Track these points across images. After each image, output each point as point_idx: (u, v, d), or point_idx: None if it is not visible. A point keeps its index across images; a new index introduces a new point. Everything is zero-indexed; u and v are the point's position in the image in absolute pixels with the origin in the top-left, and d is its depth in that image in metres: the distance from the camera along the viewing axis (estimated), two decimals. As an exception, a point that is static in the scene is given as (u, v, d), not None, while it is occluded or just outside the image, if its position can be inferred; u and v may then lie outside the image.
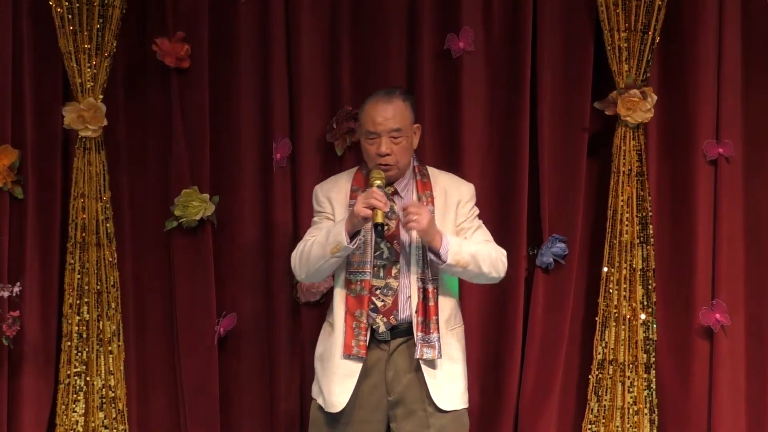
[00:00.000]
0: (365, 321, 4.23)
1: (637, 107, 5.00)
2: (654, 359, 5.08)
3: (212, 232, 5.13)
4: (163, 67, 5.10)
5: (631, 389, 5.06)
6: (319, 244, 4.20)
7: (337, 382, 4.24)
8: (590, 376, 5.10)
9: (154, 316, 5.20)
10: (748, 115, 5.15)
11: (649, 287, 5.08)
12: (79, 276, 5.06)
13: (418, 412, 4.27)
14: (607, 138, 5.12)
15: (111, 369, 5.09)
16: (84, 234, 5.06)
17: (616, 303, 5.07)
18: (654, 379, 5.08)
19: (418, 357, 4.21)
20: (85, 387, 5.07)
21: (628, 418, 5.06)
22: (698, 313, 5.11)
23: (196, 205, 5.08)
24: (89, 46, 5.01)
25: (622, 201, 5.07)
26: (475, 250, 4.25)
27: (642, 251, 5.08)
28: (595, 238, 5.18)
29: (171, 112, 5.11)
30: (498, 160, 5.16)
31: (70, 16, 4.99)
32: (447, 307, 4.32)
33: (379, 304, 4.25)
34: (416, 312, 4.24)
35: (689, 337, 5.14)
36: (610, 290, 5.08)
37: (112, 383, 5.09)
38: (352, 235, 4.16)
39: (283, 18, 5.11)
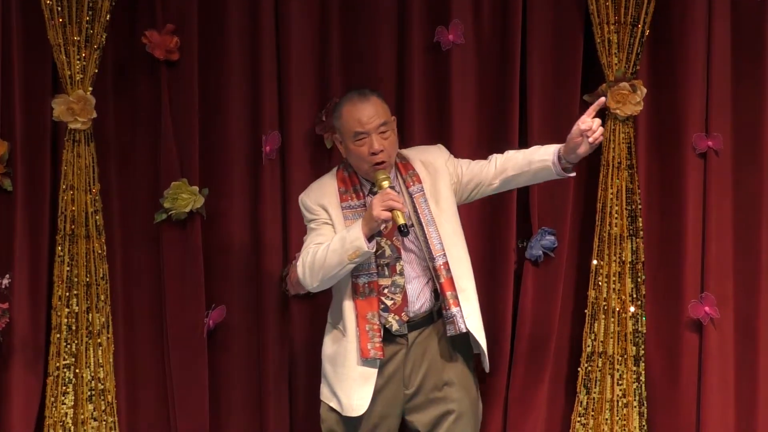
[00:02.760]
0: (378, 322, 4.24)
1: (627, 100, 5.01)
2: (643, 352, 5.09)
3: (201, 224, 5.13)
4: (153, 60, 5.09)
5: (620, 382, 5.07)
6: (335, 252, 4.18)
7: (356, 386, 4.26)
8: (579, 369, 5.11)
9: (143, 308, 5.20)
10: (737, 108, 5.15)
11: (639, 280, 5.08)
12: (68, 268, 5.06)
13: (437, 400, 4.31)
14: (597, 131, 5.12)
15: (100, 361, 5.08)
16: (73, 226, 5.06)
17: (605, 296, 5.08)
18: (643, 372, 5.09)
19: (447, 335, 4.27)
20: (74, 379, 5.06)
21: (617, 410, 5.07)
22: (687, 305, 5.12)
23: (185, 198, 5.08)
24: (78, 38, 5.00)
25: (612, 194, 5.07)
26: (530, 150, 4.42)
27: (631, 244, 5.08)
28: (585, 231, 5.19)
29: (160, 105, 5.10)
30: (487, 153, 5.13)
31: (59, 8, 4.98)
32: (464, 273, 4.34)
33: (388, 303, 4.27)
34: (441, 292, 4.27)
35: (678, 329, 5.14)
36: (600, 283, 5.08)
37: (101, 375, 5.08)
38: (368, 239, 4.15)
39: (272, 10, 5.11)
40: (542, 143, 5.10)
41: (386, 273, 4.28)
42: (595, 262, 5.10)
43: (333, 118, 4.38)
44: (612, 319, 5.07)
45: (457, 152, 5.09)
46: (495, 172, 4.39)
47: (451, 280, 4.27)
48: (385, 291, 4.27)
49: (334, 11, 5.13)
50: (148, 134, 5.17)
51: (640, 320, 5.08)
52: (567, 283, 5.19)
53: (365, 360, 4.24)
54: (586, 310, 5.10)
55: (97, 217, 5.09)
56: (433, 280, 4.30)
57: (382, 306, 4.26)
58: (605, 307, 5.08)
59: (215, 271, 5.15)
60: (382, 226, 4.19)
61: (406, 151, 4.45)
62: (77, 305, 5.06)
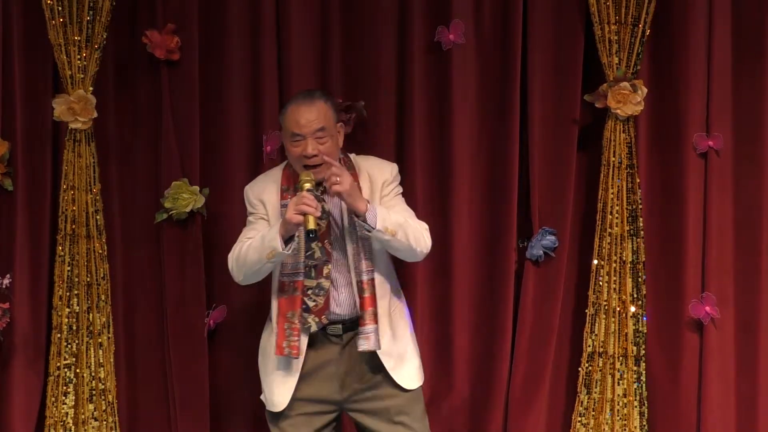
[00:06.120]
0: (297, 322, 4.26)
1: (628, 100, 5.01)
2: (644, 351, 5.09)
3: (202, 224, 5.13)
4: (153, 60, 5.09)
5: (620, 381, 5.07)
6: (255, 249, 4.23)
7: (277, 382, 4.32)
8: (580, 369, 5.11)
9: (144, 308, 5.20)
10: (738, 108, 5.16)
11: (639, 280, 5.09)
12: (69, 268, 5.06)
13: (375, 399, 4.34)
14: (598, 130, 5.12)
15: (101, 361, 5.08)
16: (74, 226, 5.06)
17: (606, 295, 5.08)
18: (644, 372, 5.09)
19: (359, 350, 4.27)
20: (74, 379, 5.06)
21: (618, 410, 5.07)
22: (688, 305, 5.12)
23: (186, 197, 5.08)
24: (79, 38, 5.00)
25: (612, 194, 5.07)
26: (402, 219, 4.27)
27: (632, 244, 5.08)
28: (585, 231, 5.19)
29: (161, 104, 5.10)
30: (488, 153, 5.16)
31: (59, 8, 4.98)
32: (385, 293, 4.36)
33: (310, 304, 4.28)
34: (359, 307, 4.29)
35: (679, 329, 5.15)
36: (600, 283, 5.09)
37: (102, 375, 5.08)
38: (287, 240, 4.17)
39: (273, 10, 5.11)
40: (543, 143, 5.15)
41: (312, 275, 4.29)
42: (595, 261, 5.10)
43: (279, 114, 4.41)
44: (612, 319, 5.07)
45: (457, 152, 5.11)
46: None
47: (372, 297, 4.28)
48: (309, 292, 4.29)
49: (334, 10, 5.14)
50: (149, 134, 5.17)
51: (640, 320, 5.08)
52: (568, 283, 5.19)
53: (280, 357, 4.29)
54: (586, 310, 5.10)
55: (98, 217, 5.09)
56: (356, 290, 4.32)
57: (304, 306, 4.28)
58: (606, 307, 5.08)
59: (216, 271, 5.14)
60: (300, 231, 4.18)
61: (360, 160, 4.45)
62: (78, 305, 5.06)
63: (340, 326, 4.32)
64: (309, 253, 4.27)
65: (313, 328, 4.28)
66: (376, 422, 4.35)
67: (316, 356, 4.31)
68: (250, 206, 4.41)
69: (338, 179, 4.15)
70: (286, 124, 4.29)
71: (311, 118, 4.24)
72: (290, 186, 4.34)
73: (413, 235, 4.28)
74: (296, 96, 4.36)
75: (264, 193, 4.38)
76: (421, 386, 4.43)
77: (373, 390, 4.34)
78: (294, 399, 4.30)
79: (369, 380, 4.34)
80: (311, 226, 4.11)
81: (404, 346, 4.40)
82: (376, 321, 4.27)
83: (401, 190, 4.46)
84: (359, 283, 4.28)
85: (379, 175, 4.40)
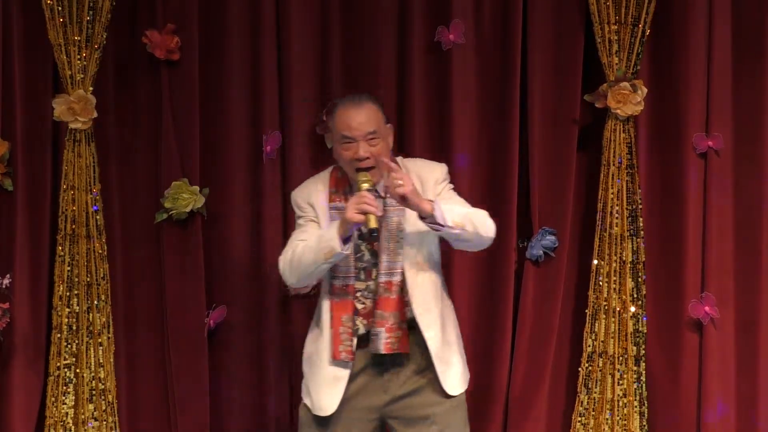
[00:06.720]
0: (351, 325, 4.24)
1: (627, 100, 5.01)
2: (644, 351, 5.09)
3: (202, 224, 5.13)
4: (153, 60, 5.09)
5: (620, 381, 5.07)
6: (311, 250, 4.18)
7: (326, 386, 4.26)
8: (580, 369, 5.11)
9: (144, 308, 5.19)
10: (738, 108, 5.16)
11: (639, 280, 5.09)
12: (69, 268, 5.06)
13: (416, 406, 4.28)
14: (598, 130, 5.12)
15: (101, 361, 5.08)
16: (74, 226, 5.06)
17: (606, 295, 5.08)
18: (644, 372, 5.09)
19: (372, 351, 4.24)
20: (74, 379, 5.06)
21: (618, 410, 5.07)
22: (688, 305, 5.12)
23: (186, 198, 5.08)
24: (79, 38, 5.00)
25: (612, 194, 5.07)
26: (466, 210, 4.22)
27: (632, 244, 5.08)
28: (585, 231, 5.19)
29: (161, 104, 5.10)
30: (488, 153, 5.17)
31: (59, 8, 4.98)
32: (437, 297, 4.30)
33: (359, 306, 4.25)
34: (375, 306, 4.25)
35: (679, 329, 5.15)
36: (600, 283, 5.09)
37: (102, 375, 5.08)
38: (345, 240, 4.13)
39: (273, 10, 5.11)
40: (543, 143, 5.15)
41: (362, 277, 4.26)
42: (595, 261, 5.10)
43: (328, 118, 4.34)
44: (612, 319, 5.08)
45: (457, 152, 5.11)
46: None
47: (391, 300, 4.21)
48: (359, 295, 4.26)
49: (334, 10, 5.14)
50: (149, 134, 5.17)
51: (640, 320, 5.09)
52: (567, 283, 5.19)
53: (336, 361, 4.24)
54: (586, 310, 5.11)
55: (98, 217, 5.09)
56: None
57: (354, 309, 4.25)
58: (606, 307, 5.08)
59: (216, 271, 5.15)
60: (364, 229, 4.13)
61: (408, 162, 4.41)
62: (78, 305, 5.06)
63: (383, 329, 4.24)
64: (358, 255, 4.25)
65: (361, 330, 4.25)
66: (414, 431, 4.29)
67: (361, 360, 4.26)
68: (299, 210, 4.36)
69: (401, 182, 4.10)
70: (337, 127, 4.24)
71: (362, 121, 4.20)
72: (339, 189, 4.31)
73: (479, 222, 4.21)
74: (344, 99, 4.31)
75: (312, 195, 4.34)
76: (464, 392, 4.37)
77: (413, 396, 4.28)
78: (342, 402, 4.24)
79: (411, 386, 4.28)
80: (373, 224, 4.08)
81: (452, 351, 4.34)
82: (383, 325, 4.20)
83: (453, 186, 4.42)
84: (386, 283, 4.22)
85: (429, 175, 4.35)
